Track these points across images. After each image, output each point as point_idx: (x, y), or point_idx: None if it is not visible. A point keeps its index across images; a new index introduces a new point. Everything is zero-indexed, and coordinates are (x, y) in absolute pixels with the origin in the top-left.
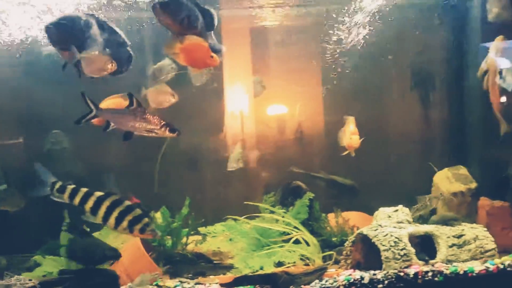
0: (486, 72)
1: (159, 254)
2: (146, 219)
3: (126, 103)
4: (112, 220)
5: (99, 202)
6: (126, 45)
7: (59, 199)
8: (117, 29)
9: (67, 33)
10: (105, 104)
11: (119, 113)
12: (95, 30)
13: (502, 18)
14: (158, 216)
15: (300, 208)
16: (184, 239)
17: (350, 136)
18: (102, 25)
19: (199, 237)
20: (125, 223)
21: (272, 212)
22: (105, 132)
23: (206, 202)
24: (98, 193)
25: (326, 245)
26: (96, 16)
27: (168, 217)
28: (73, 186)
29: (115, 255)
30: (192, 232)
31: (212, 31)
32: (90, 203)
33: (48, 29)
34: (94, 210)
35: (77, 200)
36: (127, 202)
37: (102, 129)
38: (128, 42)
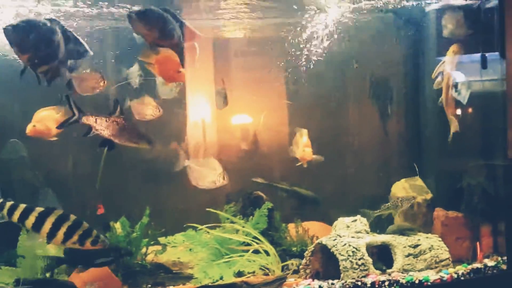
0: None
1: (118, 264)
2: (95, 231)
3: (58, 115)
4: (60, 236)
5: (42, 218)
6: (88, 55)
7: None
8: (81, 39)
9: (27, 36)
10: (39, 116)
11: (102, 120)
12: (58, 37)
13: (456, 34)
14: (117, 226)
15: (259, 218)
16: (144, 249)
17: (303, 148)
18: (66, 34)
19: (159, 247)
20: (75, 238)
21: (232, 222)
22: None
23: (166, 211)
24: (39, 209)
25: (286, 254)
26: (61, 23)
27: (128, 227)
28: (11, 202)
29: (128, 252)
30: (152, 242)
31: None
32: (31, 219)
33: (6, 30)
34: (37, 226)
35: (16, 216)
36: (73, 216)
37: (82, 134)
38: (91, 52)
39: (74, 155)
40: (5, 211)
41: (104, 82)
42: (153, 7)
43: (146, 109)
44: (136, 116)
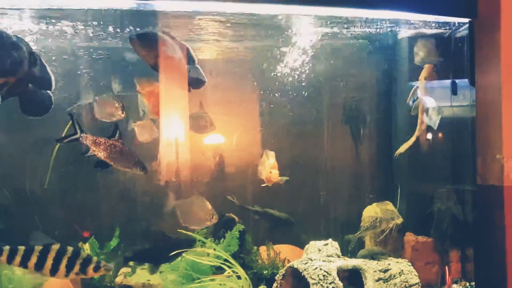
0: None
1: (87, 287)
2: (95, 258)
3: None
4: (62, 270)
5: (42, 256)
6: (51, 82)
7: None
8: (49, 70)
9: None
10: None
11: (100, 142)
12: (20, 55)
13: (427, 61)
14: (86, 247)
15: (230, 241)
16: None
17: (269, 170)
18: (33, 56)
19: (128, 269)
20: (77, 268)
21: (203, 243)
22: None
23: (138, 233)
24: (38, 247)
25: (257, 278)
26: (27, 43)
27: (97, 248)
28: (8, 247)
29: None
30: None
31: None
32: (33, 259)
33: None
34: (39, 265)
35: (17, 260)
36: (70, 248)
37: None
38: (53, 86)
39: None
40: (3, 257)
41: (123, 113)
42: (154, 29)
43: (148, 132)
44: (139, 138)
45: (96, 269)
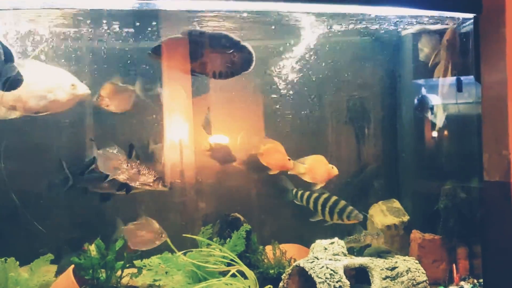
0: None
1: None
2: (350, 208)
3: None
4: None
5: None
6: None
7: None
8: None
9: None
10: None
11: (117, 166)
12: None
13: (432, 58)
14: (92, 248)
15: (237, 241)
16: (119, 272)
17: (287, 157)
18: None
19: (135, 270)
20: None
21: (209, 244)
22: None
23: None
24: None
25: (263, 277)
26: None
27: (103, 249)
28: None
29: None
30: (127, 265)
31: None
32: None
33: None
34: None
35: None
36: (334, 197)
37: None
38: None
39: None
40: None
41: (127, 165)
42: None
43: None
44: (159, 159)
45: (348, 217)
